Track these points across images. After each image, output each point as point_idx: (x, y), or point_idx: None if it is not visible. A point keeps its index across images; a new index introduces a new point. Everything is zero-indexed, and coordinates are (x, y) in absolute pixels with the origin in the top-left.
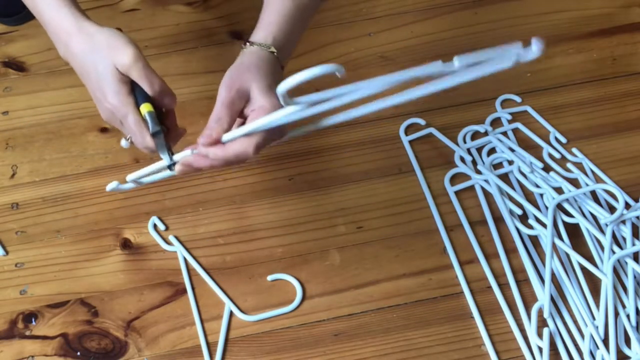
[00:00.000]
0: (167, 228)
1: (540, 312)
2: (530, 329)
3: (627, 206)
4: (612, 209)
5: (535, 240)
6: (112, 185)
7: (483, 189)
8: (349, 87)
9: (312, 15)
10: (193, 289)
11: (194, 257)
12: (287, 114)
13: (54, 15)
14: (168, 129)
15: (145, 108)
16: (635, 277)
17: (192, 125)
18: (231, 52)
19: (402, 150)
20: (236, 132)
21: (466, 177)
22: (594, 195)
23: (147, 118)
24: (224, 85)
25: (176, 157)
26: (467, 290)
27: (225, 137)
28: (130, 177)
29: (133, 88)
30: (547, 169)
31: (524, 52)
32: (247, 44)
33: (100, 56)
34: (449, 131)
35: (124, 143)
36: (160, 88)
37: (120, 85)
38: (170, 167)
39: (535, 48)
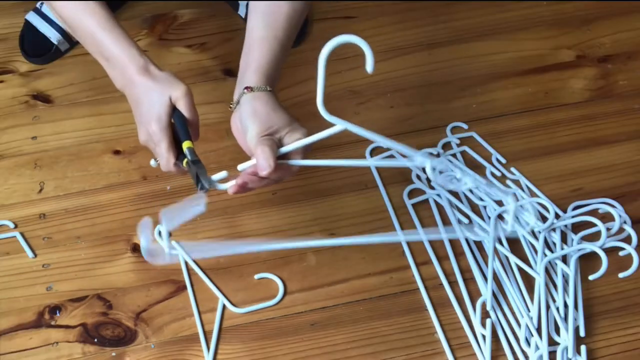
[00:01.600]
0: (170, 235)
1: (483, 305)
2: (475, 319)
3: (557, 216)
4: (544, 219)
5: (479, 245)
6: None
7: (436, 202)
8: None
9: (290, 47)
10: (192, 286)
11: (193, 259)
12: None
13: (121, 53)
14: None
15: (187, 144)
16: (563, 276)
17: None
18: (224, 86)
19: (368, 169)
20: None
21: (422, 192)
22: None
23: (187, 152)
24: (253, 136)
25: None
26: (422, 287)
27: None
28: (169, 223)
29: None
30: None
31: None
32: (247, 89)
33: (159, 89)
34: None
35: (153, 163)
36: (197, 118)
37: (165, 117)
38: (203, 189)
39: None
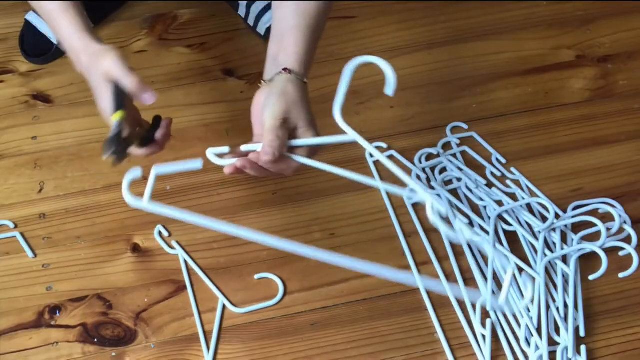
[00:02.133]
0: (170, 235)
1: (483, 305)
2: (475, 319)
3: (557, 216)
4: (544, 219)
5: None
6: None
7: None
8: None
9: (320, 38)
10: (192, 286)
11: (193, 259)
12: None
13: (67, 36)
14: (157, 140)
15: (117, 115)
16: (563, 276)
17: (191, 148)
18: (224, 86)
19: (368, 170)
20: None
21: None
22: (529, 207)
23: (114, 124)
24: (272, 116)
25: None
26: (422, 287)
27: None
28: (160, 171)
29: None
30: (489, 185)
31: None
32: (286, 71)
33: (91, 67)
34: (407, 153)
35: (105, 157)
36: (135, 85)
37: (105, 91)
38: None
39: None
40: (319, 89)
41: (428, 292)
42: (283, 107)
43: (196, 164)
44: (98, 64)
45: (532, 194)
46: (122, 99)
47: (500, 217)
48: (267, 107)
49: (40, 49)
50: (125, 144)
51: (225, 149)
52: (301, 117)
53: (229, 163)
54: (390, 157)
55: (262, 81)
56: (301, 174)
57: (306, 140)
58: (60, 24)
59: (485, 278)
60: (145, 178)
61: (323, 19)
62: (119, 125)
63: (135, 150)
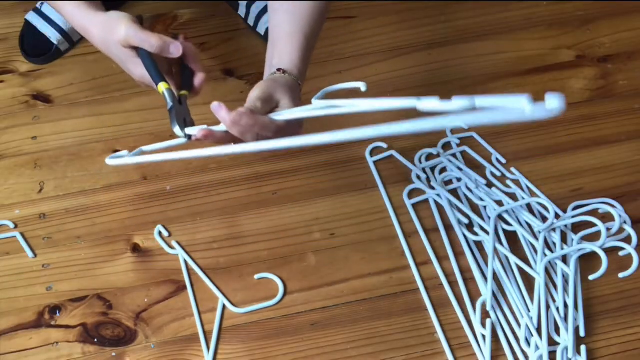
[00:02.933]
0: (170, 235)
1: (483, 305)
2: (475, 319)
3: (557, 216)
4: (544, 219)
5: (479, 245)
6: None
7: (436, 202)
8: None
9: (314, 44)
10: (192, 286)
11: (193, 259)
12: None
13: (72, 15)
14: (194, 72)
15: (163, 86)
16: (563, 276)
17: (191, 147)
18: (224, 86)
19: (368, 169)
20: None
21: (422, 192)
22: (529, 207)
23: (165, 95)
24: (258, 91)
25: (191, 130)
26: (422, 287)
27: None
28: (147, 148)
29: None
30: (489, 185)
31: (538, 108)
32: (280, 71)
33: (109, 42)
34: (407, 153)
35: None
36: (158, 43)
37: (135, 60)
38: (186, 136)
39: (555, 107)
40: (319, 89)
41: (428, 292)
42: (269, 85)
43: (180, 140)
44: (113, 35)
45: (532, 194)
46: (155, 64)
47: (500, 217)
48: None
49: (40, 49)
50: (183, 109)
51: (203, 127)
52: (285, 97)
53: (199, 129)
54: (391, 157)
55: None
56: (301, 175)
57: (284, 112)
58: (65, 5)
59: (485, 278)
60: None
61: (318, 24)
62: (170, 94)
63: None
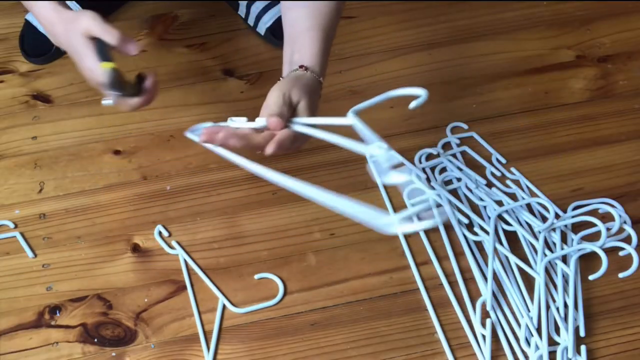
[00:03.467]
0: (170, 235)
1: (483, 305)
2: (475, 319)
3: (557, 216)
4: (544, 219)
5: (479, 245)
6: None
7: (436, 202)
8: None
9: (332, 39)
10: (192, 286)
11: (193, 259)
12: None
13: (40, 9)
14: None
15: (107, 65)
16: (563, 276)
17: (189, 148)
18: (224, 86)
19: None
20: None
21: (421, 192)
22: (529, 207)
23: (107, 75)
24: (278, 91)
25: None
26: (422, 287)
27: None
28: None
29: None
30: (489, 185)
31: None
32: (302, 68)
33: (70, 31)
34: (407, 153)
35: (104, 102)
36: (119, 37)
37: (89, 51)
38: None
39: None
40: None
41: (428, 292)
42: (288, 84)
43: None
44: (75, 25)
45: (532, 194)
46: (107, 52)
47: (500, 217)
48: (272, 90)
49: (40, 49)
50: (123, 88)
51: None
52: (304, 97)
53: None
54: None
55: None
56: (301, 175)
57: (304, 118)
58: (35, 2)
59: (485, 278)
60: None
61: (335, 19)
62: (113, 71)
63: (128, 101)
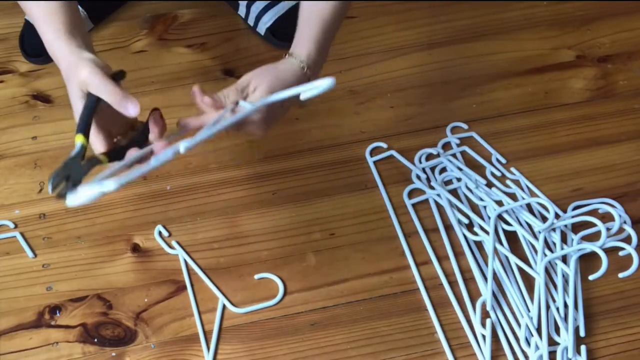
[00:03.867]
0: (170, 235)
1: (483, 305)
2: (475, 319)
3: (557, 216)
4: (544, 219)
5: (479, 245)
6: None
7: (436, 202)
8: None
9: (337, 32)
10: (192, 286)
11: (193, 259)
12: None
13: (49, 41)
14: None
15: (79, 139)
16: (563, 276)
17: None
18: (224, 86)
19: (368, 169)
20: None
21: (421, 192)
22: (529, 207)
23: (77, 147)
24: (248, 74)
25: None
26: (422, 287)
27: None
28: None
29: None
30: (489, 185)
31: None
32: (287, 54)
33: (69, 79)
34: (407, 153)
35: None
36: (118, 98)
37: (77, 105)
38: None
39: None
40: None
41: (428, 292)
42: (257, 73)
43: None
44: (74, 74)
45: (532, 194)
46: (90, 117)
47: (500, 217)
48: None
49: (40, 49)
50: (82, 172)
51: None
52: (263, 85)
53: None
54: (391, 157)
55: None
56: (301, 175)
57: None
58: (45, 28)
59: (485, 278)
60: None
61: (338, 20)
62: (82, 150)
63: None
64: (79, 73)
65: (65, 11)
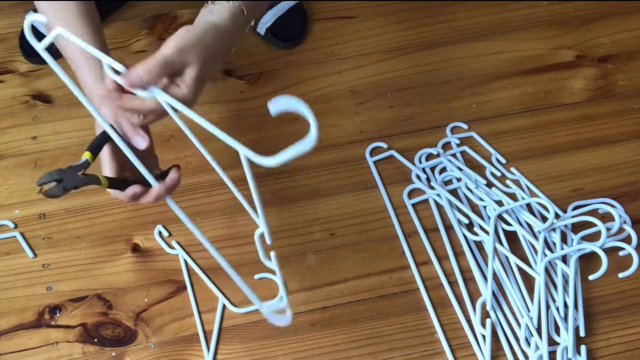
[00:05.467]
0: (170, 235)
1: (483, 305)
2: (475, 319)
3: (557, 216)
4: (544, 219)
5: (479, 245)
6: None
7: (436, 202)
8: None
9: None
10: (192, 286)
11: (193, 259)
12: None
13: (89, 83)
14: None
15: (86, 155)
16: (563, 276)
17: (188, 149)
18: (224, 86)
19: (368, 169)
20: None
21: (421, 192)
22: (529, 207)
23: (82, 160)
24: (170, 43)
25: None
26: (422, 287)
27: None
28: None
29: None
30: (489, 185)
31: None
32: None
33: (100, 109)
34: (407, 153)
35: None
36: (130, 131)
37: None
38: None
39: None
40: (318, 89)
41: (428, 292)
42: (182, 41)
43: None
44: (101, 106)
45: (532, 194)
46: (104, 142)
47: (500, 217)
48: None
49: None
50: (77, 181)
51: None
52: (195, 64)
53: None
54: (390, 157)
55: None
56: (301, 175)
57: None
58: (83, 70)
59: (485, 278)
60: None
61: None
62: (82, 163)
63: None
64: (102, 106)
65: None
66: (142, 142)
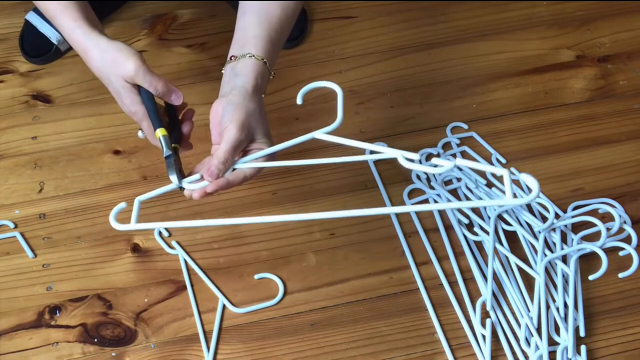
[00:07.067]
0: (170, 235)
1: (483, 305)
2: (475, 319)
3: (557, 216)
4: (544, 219)
5: (479, 245)
6: (118, 208)
7: (436, 202)
8: None
9: (281, 47)
10: (192, 286)
11: (193, 259)
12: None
13: (72, 35)
14: (181, 122)
15: (160, 132)
16: (563, 276)
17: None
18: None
19: (368, 170)
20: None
21: (421, 192)
22: (529, 207)
23: (162, 141)
24: (234, 125)
25: (185, 183)
26: (422, 287)
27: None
28: (142, 198)
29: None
30: (489, 185)
31: None
32: (233, 58)
33: (110, 72)
34: None
35: (140, 134)
36: (163, 89)
37: (132, 96)
38: (180, 188)
39: None
40: (318, 89)
41: (428, 292)
42: (242, 117)
43: (173, 185)
44: (118, 68)
45: None
46: (157, 108)
47: (500, 217)
48: (225, 116)
49: (40, 49)
50: (176, 159)
51: (196, 176)
52: (259, 126)
53: (199, 186)
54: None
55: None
56: (301, 175)
57: (263, 151)
58: (64, 22)
59: (485, 278)
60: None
61: (287, 25)
62: (167, 141)
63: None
64: (124, 67)
65: (80, 4)
66: (177, 99)
